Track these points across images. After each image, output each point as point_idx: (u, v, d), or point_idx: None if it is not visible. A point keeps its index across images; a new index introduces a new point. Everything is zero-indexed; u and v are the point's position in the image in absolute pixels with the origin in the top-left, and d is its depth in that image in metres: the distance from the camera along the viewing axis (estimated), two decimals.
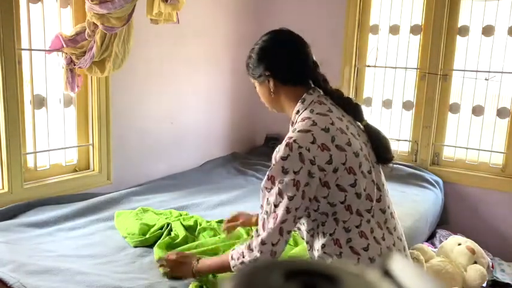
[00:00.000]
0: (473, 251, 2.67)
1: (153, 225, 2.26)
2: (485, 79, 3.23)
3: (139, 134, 3.04)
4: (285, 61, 1.50)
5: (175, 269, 1.79)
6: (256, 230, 1.47)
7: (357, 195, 1.41)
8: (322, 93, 1.51)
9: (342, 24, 3.53)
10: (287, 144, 1.36)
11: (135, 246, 2.13)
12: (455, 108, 3.35)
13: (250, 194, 2.94)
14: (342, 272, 0.36)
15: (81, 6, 2.54)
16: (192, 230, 2.26)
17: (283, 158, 1.36)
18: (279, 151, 1.38)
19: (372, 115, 3.60)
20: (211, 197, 2.81)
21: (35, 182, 2.54)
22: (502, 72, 3.16)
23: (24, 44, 2.42)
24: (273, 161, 1.40)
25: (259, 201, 1.49)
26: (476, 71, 3.24)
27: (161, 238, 2.15)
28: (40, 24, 2.49)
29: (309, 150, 1.34)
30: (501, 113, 3.20)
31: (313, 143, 1.35)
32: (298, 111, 1.48)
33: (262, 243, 1.41)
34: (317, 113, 1.43)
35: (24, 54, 2.43)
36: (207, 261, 1.71)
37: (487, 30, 3.19)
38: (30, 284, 1.68)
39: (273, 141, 3.95)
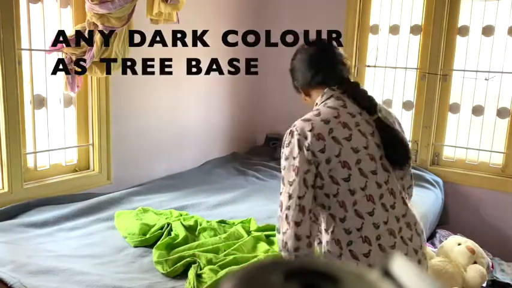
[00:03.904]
0: (473, 251, 2.67)
1: (153, 225, 2.26)
2: (485, 79, 3.23)
3: (139, 134, 3.04)
4: (301, 73, 1.59)
5: None
6: None
7: (350, 191, 1.41)
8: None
9: (341, 24, 3.53)
10: (290, 132, 1.44)
11: (135, 246, 2.13)
12: (455, 108, 3.35)
13: (250, 194, 2.94)
14: (342, 272, 0.36)
15: (81, 6, 2.54)
16: (192, 230, 2.26)
17: (286, 146, 1.43)
18: (284, 139, 1.45)
19: None
20: (211, 197, 2.81)
21: (35, 182, 2.54)
22: (502, 72, 3.16)
23: (24, 44, 2.42)
24: (282, 149, 1.47)
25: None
26: (476, 71, 3.24)
27: (161, 238, 2.15)
28: (40, 24, 2.49)
29: (306, 137, 1.40)
30: (501, 113, 3.20)
31: (310, 131, 1.41)
32: (316, 103, 1.56)
33: (278, 231, 1.42)
34: (328, 106, 1.48)
35: (24, 54, 2.42)
36: None
37: (487, 30, 3.19)
38: (31, 284, 1.68)
39: (273, 141, 3.95)
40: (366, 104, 1.53)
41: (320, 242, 1.52)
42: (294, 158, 1.39)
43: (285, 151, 1.43)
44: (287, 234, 1.37)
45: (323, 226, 1.47)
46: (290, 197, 1.37)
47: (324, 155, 1.39)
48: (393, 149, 1.49)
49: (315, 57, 1.58)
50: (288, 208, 1.37)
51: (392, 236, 1.43)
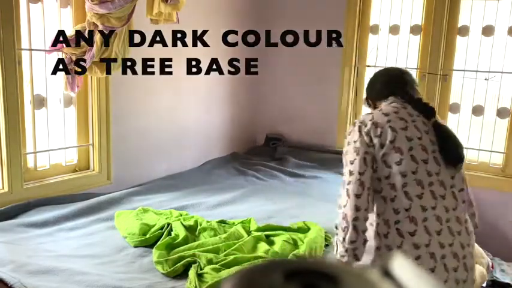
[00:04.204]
0: None
1: (154, 225, 2.26)
2: (485, 79, 3.23)
3: (139, 134, 3.04)
4: (376, 88, 1.82)
5: None
6: None
7: (401, 173, 1.53)
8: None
9: (341, 24, 3.53)
10: (353, 123, 1.63)
11: (135, 246, 2.13)
12: (455, 108, 3.35)
13: (250, 194, 2.94)
14: (342, 272, 0.36)
15: (81, 6, 2.54)
16: (192, 230, 2.26)
17: (348, 134, 1.62)
18: (348, 130, 1.65)
19: None
20: (211, 197, 2.81)
21: (35, 182, 2.54)
22: (502, 72, 3.16)
23: (24, 44, 2.42)
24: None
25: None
26: (476, 71, 3.24)
27: (161, 238, 2.15)
28: (40, 24, 2.49)
29: (366, 125, 1.59)
30: (501, 113, 3.20)
31: (370, 120, 1.60)
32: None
33: (339, 207, 1.57)
34: (390, 105, 1.67)
35: (24, 54, 2.42)
36: None
37: (487, 30, 3.19)
38: (31, 284, 1.68)
39: (273, 141, 3.95)
40: (425, 108, 1.67)
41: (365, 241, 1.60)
42: (355, 142, 1.57)
43: (347, 139, 1.62)
44: (347, 206, 1.52)
45: (374, 210, 1.58)
46: (351, 173, 1.54)
47: (379, 139, 1.56)
48: (448, 147, 1.61)
49: (391, 77, 1.80)
50: (349, 183, 1.53)
51: (439, 223, 1.53)
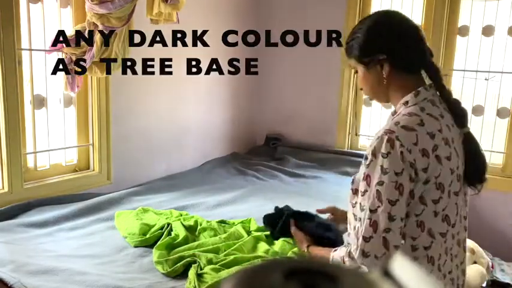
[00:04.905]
0: (473, 251, 2.67)
1: (154, 225, 2.26)
2: (485, 79, 3.23)
3: (139, 134, 3.04)
4: (403, 44, 1.31)
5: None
6: (348, 234, 1.34)
7: (435, 213, 1.28)
8: (437, 92, 1.35)
9: (341, 24, 3.53)
10: (388, 140, 1.21)
11: (135, 246, 2.13)
12: None
13: (250, 194, 2.94)
14: (341, 272, 0.36)
15: (81, 6, 2.54)
16: (192, 230, 2.26)
17: (384, 156, 1.21)
18: (379, 146, 1.22)
19: (371, 116, 3.60)
20: (211, 197, 2.81)
21: (35, 182, 2.54)
22: (502, 72, 3.16)
23: (24, 44, 2.42)
24: (370, 156, 1.24)
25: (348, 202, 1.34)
26: (476, 71, 3.24)
27: (161, 238, 2.15)
28: (40, 24, 2.49)
29: (411, 152, 1.21)
30: (501, 113, 3.20)
31: (415, 144, 1.21)
32: (406, 102, 1.31)
33: (364, 254, 1.23)
34: (427, 114, 1.28)
35: (24, 54, 2.42)
36: (315, 251, 1.56)
37: (487, 30, 3.19)
38: (31, 284, 1.68)
39: (273, 141, 3.95)
40: (459, 113, 1.37)
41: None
42: (397, 174, 1.20)
43: (382, 162, 1.21)
44: (384, 259, 1.22)
45: None
46: (392, 218, 1.21)
47: (425, 174, 1.23)
48: (474, 168, 1.37)
49: (421, 35, 1.32)
50: (388, 231, 1.21)
51: (446, 255, 1.35)
